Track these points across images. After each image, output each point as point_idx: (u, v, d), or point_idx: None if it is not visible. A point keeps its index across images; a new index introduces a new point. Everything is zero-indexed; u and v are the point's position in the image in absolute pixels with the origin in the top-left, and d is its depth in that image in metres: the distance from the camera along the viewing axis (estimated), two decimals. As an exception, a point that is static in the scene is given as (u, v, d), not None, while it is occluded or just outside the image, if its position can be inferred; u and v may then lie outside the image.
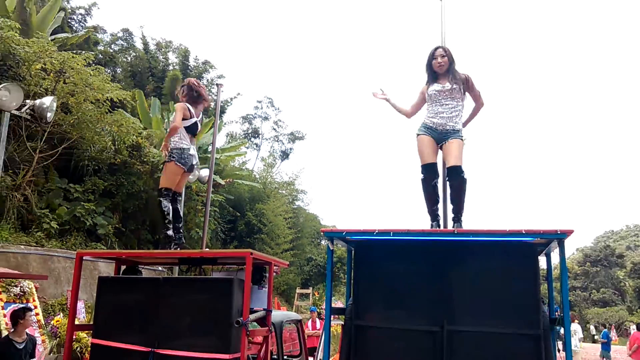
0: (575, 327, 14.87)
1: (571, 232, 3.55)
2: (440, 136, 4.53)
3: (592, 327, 37.86)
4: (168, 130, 5.54)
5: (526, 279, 3.79)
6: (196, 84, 5.52)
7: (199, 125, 5.54)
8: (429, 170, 4.53)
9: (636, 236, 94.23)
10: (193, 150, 5.39)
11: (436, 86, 4.63)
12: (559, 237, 3.59)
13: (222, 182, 18.13)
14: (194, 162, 5.44)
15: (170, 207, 5.22)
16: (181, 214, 5.45)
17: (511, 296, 3.75)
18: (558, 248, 3.73)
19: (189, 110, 5.35)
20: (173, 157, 5.21)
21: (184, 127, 5.30)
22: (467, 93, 4.72)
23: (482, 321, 3.71)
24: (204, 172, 10.03)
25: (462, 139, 4.50)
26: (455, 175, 4.39)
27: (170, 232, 5.17)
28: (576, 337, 14.54)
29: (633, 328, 22.91)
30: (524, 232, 3.64)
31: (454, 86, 4.57)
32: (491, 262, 3.90)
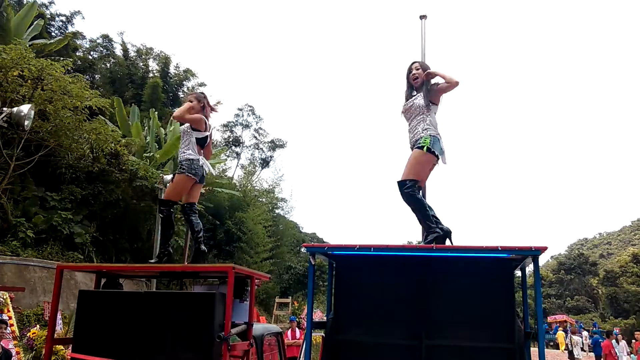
0: (576, 338, 16.13)
1: (545, 249, 3.68)
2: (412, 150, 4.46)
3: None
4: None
5: (502, 293, 3.92)
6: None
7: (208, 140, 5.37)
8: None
9: (609, 244, 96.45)
10: (202, 161, 5.25)
11: (405, 104, 4.63)
12: (534, 253, 3.72)
13: (202, 190, 17.99)
14: (205, 172, 5.35)
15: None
16: (195, 226, 5.21)
17: (488, 311, 3.86)
18: (532, 264, 3.86)
19: (205, 123, 5.21)
20: (183, 169, 5.07)
21: (196, 138, 5.15)
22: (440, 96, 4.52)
23: (459, 335, 3.82)
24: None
25: (421, 147, 4.27)
26: (400, 191, 4.29)
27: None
28: (578, 347, 15.70)
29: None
30: (499, 248, 3.76)
31: (419, 102, 4.46)
32: (468, 277, 4.01)
